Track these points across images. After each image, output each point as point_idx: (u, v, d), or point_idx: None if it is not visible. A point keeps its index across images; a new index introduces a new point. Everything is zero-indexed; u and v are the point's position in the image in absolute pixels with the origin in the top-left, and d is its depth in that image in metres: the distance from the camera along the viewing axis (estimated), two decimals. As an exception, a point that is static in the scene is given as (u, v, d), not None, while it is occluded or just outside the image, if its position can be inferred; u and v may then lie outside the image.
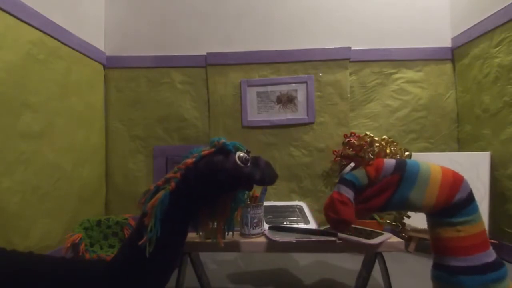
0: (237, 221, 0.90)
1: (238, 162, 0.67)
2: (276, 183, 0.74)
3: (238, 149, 0.71)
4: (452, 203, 0.63)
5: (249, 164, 0.69)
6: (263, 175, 0.69)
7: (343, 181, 0.70)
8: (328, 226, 1.07)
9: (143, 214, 0.67)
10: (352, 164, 0.73)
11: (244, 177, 0.67)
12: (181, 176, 0.68)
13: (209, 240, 0.93)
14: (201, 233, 0.94)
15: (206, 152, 0.70)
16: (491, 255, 0.62)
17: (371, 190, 0.68)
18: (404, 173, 0.66)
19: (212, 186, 0.68)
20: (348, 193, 0.68)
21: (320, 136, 1.87)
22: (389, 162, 0.68)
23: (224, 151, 0.69)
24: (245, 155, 0.69)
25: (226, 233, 0.82)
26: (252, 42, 1.92)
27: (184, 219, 0.71)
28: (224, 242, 0.82)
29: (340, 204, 0.66)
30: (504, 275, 0.61)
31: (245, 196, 0.81)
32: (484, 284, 0.60)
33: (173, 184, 0.67)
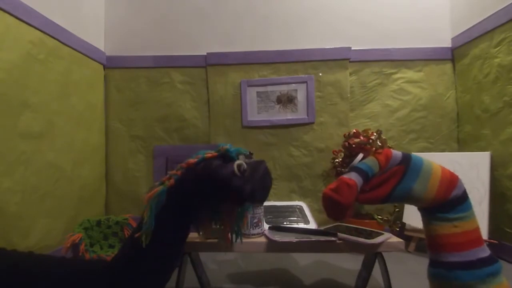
0: (244, 227, 0.89)
1: (236, 170, 0.64)
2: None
3: (240, 154, 0.71)
4: (449, 199, 0.65)
5: (246, 174, 0.65)
6: (253, 191, 0.64)
7: (356, 169, 0.69)
8: (328, 226, 1.07)
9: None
10: (361, 155, 0.74)
11: (232, 190, 0.63)
12: (181, 175, 0.69)
13: (209, 240, 0.93)
14: (201, 233, 0.94)
15: (209, 155, 0.70)
16: (485, 251, 0.64)
17: (375, 179, 0.69)
18: (409, 165, 0.68)
19: (205, 189, 0.68)
20: (358, 180, 0.67)
21: (320, 136, 1.87)
22: (396, 152, 0.71)
23: (227, 157, 0.69)
24: (244, 164, 0.65)
25: (235, 241, 0.82)
26: (252, 42, 1.92)
27: (182, 217, 0.71)
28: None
29: (345, 186, 0.65)
30: (499, 270, 0.63)
31: None
32: (480, 279, 0.61)
33: (172, 181, 0.68)
